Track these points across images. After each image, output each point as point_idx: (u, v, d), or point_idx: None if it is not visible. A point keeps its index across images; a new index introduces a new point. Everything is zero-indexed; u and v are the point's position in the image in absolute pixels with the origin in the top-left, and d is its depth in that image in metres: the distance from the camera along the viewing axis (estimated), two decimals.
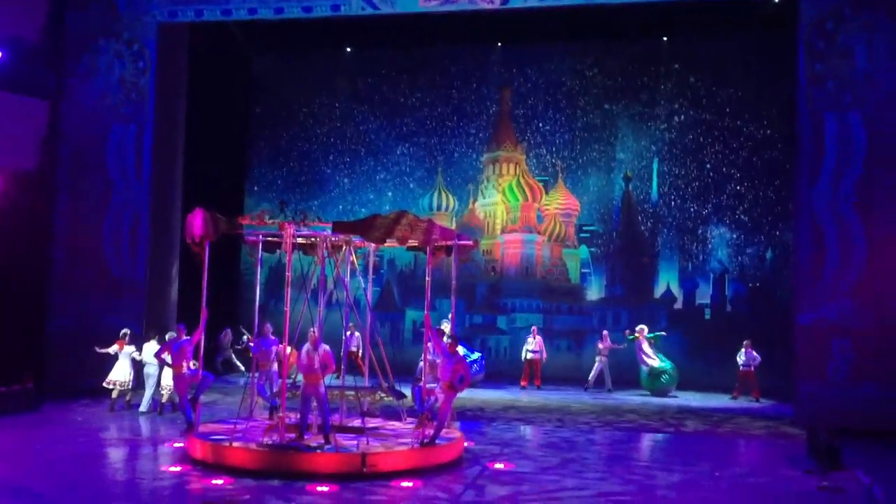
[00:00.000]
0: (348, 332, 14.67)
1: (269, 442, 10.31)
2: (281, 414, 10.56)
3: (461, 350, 12.16)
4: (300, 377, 11.03)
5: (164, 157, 18.56)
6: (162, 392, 14.80)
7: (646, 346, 19.35)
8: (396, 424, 12.12)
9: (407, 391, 12.57)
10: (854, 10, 15.36)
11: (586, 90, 23.00)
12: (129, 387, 14.97)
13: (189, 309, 15.04)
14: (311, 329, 10.97)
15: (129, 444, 12.13)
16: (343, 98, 24.18)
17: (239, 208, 22.75)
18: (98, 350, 15.32)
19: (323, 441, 10.54)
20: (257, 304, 12.49)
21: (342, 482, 9.53)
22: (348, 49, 23.82)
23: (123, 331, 15.38)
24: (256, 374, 12.08)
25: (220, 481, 9.55)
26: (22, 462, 10.62)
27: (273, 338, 12.66)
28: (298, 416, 10.86)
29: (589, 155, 23.09)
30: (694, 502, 9.43)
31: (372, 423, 11.73)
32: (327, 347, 10.86)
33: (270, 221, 10.71)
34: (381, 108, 24.07)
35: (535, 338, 20.02)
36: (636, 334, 19.47)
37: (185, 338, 12.03)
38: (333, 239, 11.86)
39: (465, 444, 11.63)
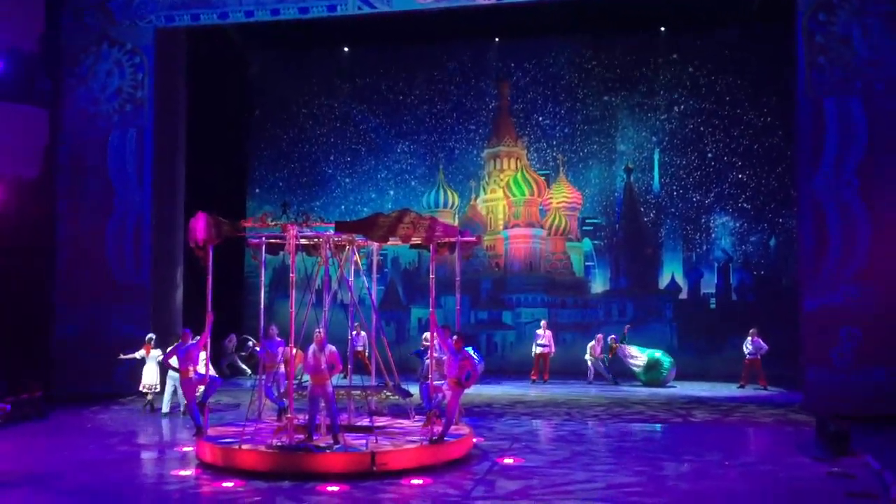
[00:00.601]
0: (354, 332, 14.68)
1: (279, 443, 10.33)
2: (289, 415, 10.57)
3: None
4: (307, 378, 11.04)
5: (164, 161, 18.59)
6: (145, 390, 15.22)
7: (629, 350, 19.43)
8: (405, 422, 12.13)
9: (414, 389, 12.59)
10: None
11: (585, 82, 22.97)
12: (159, 390, 15.25)
13: (194, 313, 15.06)
14: (317, 329, 10.98)
15: (140, 449, 12.16)
16: (342, 98, 24.17)
17: (241, 211, 22.79)
18: (123, 357, 15.62)
19: (332, 441, 10.55)
20: (262, 306, 12.51)
21: (352, 481, 9.55)
22: (346, 49, 23.81)
23: (149, 336, 15.65)
24: (263, 377, 12.10)
25: (230, 484, 9.57)
26: (30, 469, 10.64)
27: (279, 339, 12.67)
28: (307, 417, 10.87)
29: (589, 147, 23.07)
30: (704, 491, 9.43)
31: (380, 421, 11.74)
32: (333, 348, 10.88)
33: (273, 223, 10.71)
34: (381, 107, 24.06)
35: (544, 332, 20.02)
36: (610, 349, 19.56)
37: (191, 342, 12.04)
38: (336, 239, 11.86)
39: (474, 440, 11.63)
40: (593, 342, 19.83)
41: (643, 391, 18.19)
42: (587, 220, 23.23)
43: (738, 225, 22.04)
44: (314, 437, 10.66)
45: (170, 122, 18.82)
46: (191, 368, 11.79)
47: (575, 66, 23.00)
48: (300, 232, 10.89)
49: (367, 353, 17.58)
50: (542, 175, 23.42)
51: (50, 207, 18.35)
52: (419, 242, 11.76)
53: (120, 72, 18.33)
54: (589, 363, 19.69)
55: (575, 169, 23.23)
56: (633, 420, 14.41)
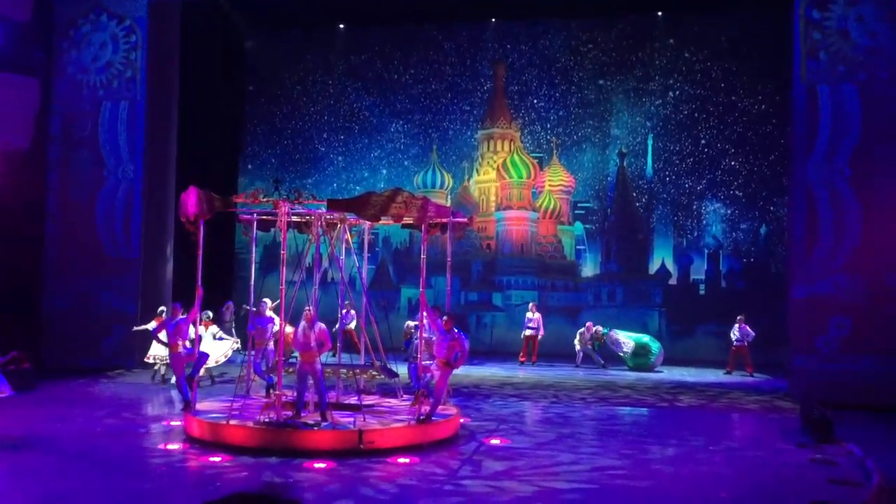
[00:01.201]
0: (344, 311, 14.70)
1: (267, 420, 10.35)
2: (277, 392, 10.59)
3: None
4: (296, 354, 11.05)
5: (157, 135, 18.47)
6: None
7: (617, 336, 19.44)
8: (393, 401, 12.17)
9: (403, 369, 12.62)
10: None
11: (581, 66, 22.91)
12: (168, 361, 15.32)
13: (184, 287, 15.06)
14: (307, 307, 10.98)
15: (127, 422, 12.16)
16: (337, 75, 24.05)
17: (233, 187, 22.71)
18: (136, 329, 16.14)
19: (320, 418, 10.58)
20: (253, 282, 12.50)
21: (339, 459, 9.58)
22: (341, 26, 23.66)
23: (161, 308, 15.87)
24: (252, 352, 12.11)
25: (217, 459, 9.60)
26: (20, 441, 10.64)
27: (269, 316, 12.67)
28: (295, 393, 10.90)
29: (583, 131, 23.05)
30: (688, 475, 9.51)
31: (368, 400, 11.77)
32: (323, 325, 10.88)
33: (265, 199, 10.67)
34: (375, 86, 23.96)
35: (534, 314, 20.06)
36: (597, 340, 19.55)
37: (181, 316, 12.03)
38: (328, 217, 11.83)
39: (462, 420, 11.68)
40: (583, 329, 19.88)
41: (630, 375, 18.29)
42: (579, 204, 23.26)
43: (729, 212, 22.11)
44: (302, 414, 10.69)
45: (162, 96, 18.67)
46: (180, 343, 11.79)
47: (571, 49, 22.93)
48: (292, 209, 10.86)
49: (355, 330, 17.62)
50: (536, 158, 23.40)
51: (40, 178, 18.23)
52: (411, 222, 11.74)
53: (113, 43, 18.16)
54: (577, 347, 19.76)
55: (568, 152, 23.22)
56: (619, 404, 14.50)
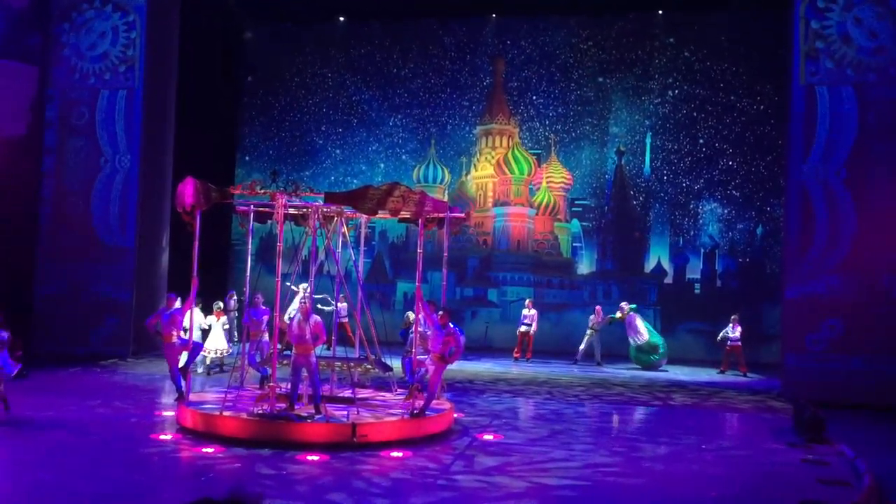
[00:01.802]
0: (339, 304, 14.69)
1: (260, 411, 10.35)
2: (271, 384, 10.59)
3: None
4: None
5: (154, 124, 18.43)
6: (205, 354, 15.49)
7: (638, 322, 19.38)
8: (387, 395, 12.19)
9: (397, 363, 12.63)
10: None
11: (580, 63, 22.89)
12: (228, 352, 15.88)
13: (179, 278, 15.04)
14: (302, 299, 10.97)
15: (121, 412, 12.14)
16: (336, 68, 24.00)
17: (230, 178, 22.68)
18: (203, 328, 16.26)
19: (313, 411, 10.59)
20: (248, 274, 12.49)
21: (332, 452, 9.58)
22: (341, 19, 23.61)
23: (217, 303, 16.18)
24: (247, 344, 12.10)
25: (210, 450, 9.60)
26: (9, 430, 10.63)
27: (264, 308, 12.66)
28: (289, 385, 10.90)
29: (582, 128, 23.04)
30: (679, 473, 9.53)
31: (362, 393, 11.77)
32: (318, 318, 10.88)
33: (262, 191, 10.66)
34: (374, 79, 23.92)
35: (529, 310, 20.07)
36: (618, 314, 19.53)
37: (175, 307, 12.01)
38: (325, 210, 11.83)
39: (455, 415, 11.69)
40: (593, 315, 19.86)
41: (625, 373, 18.32)
42: (576, 202, 23.26)
43: (725, 212, 22.13)
44: (296, 407, 10.69)
45: (160, 85, 18.63)
46: (174, 333, 11.78)
47: (571, 46, 22.92)
48: (289, 201, 10.85)
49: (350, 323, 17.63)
50: (534, 154, 23.39)
51: (36, 165, 18.18)
52: (408, 216, 11.74)
53: (112, 31, 18.10)
54: (587, 335, 19.71)
55: (566, 149, 23.21)
56: (613, 401, 14.52)
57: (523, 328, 19.95)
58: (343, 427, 10.05)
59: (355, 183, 22.47)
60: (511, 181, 23.29)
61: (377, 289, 22.87)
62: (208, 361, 15.75)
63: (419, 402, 10.81)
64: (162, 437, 10.32)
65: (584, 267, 23.00)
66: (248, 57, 24.31)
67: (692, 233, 22.38)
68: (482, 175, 23.84)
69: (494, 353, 20.75)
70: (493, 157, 23.57)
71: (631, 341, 19.36)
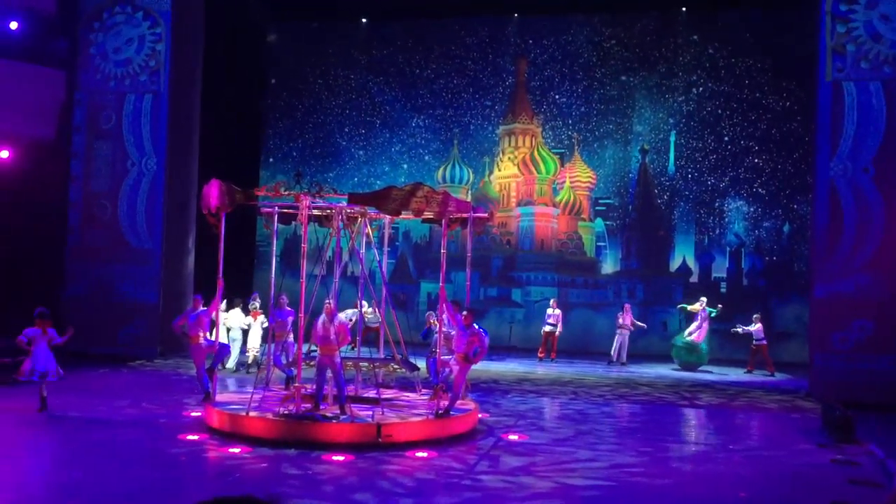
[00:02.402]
0: (366, 309, 14.72)
1: (286, 412, 10.40)
2: (297, 384, 10.64)
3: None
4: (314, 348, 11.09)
5: (179, 127, 18.59)
6: (247, 353, 16.00)
7: (705, 323, 19.04)
8: (411, 395, 12.20)
9: (422, 363, 12.64)
10: None
11: (603, 62, 22.79)
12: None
13: (205, 280, 15.14)
14: (327, 300, 11.02)
15: (149, 412, 12.26)
16: (358, 70, 24.08)
17: (255, 180, 22.82)
18: (243, 328, 16.62)
19: (338, 411, 10.62)
20: (273, 275, 12.56)
21: (357, 452, 9.61)
22: (364, 20, 23.68)
23: (254, 304, 16.38)
24: (272, 345, 12.17)
25: (236, 450, 9.66)
26: (34, 427, 10.76)
27: (289, 309, 12.73)
28: (314, 386, 10.94)
29: (605, 127, 22.94)
30: (707, 474, 9.46)
31: (387, 394, 11.80)
32: (343, 319, 10.92)
33: (286, 193, 10.71)
34: (397, 80, 23.97)
35: (554, 310, 20.01)
36: (697, 305, 19.19)
37: (201, 308, 12.11)
38: (349, 211, 11.86)
39: (480, 415, 11.69)
40: (621, 312, 19.75)
41: (650, 372, 18.20)
42: (600, 201, 23.16)
43: (751, 210, 21.93)
44: (321, 407, 10.74)
45: (186, 89, 18.79)
46: (201, 334, 11.87)
47: (593, 45, 22.82)
48: (313, 202, 10.90)
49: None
50: (557, 154, 23.32)
51: (64, 168, 18.40)
52: (431, 217, 11.74)
53: (138, 36, 18.27)
54: (617, 335, 19.57)
55: (590, 148, 23.12)
56: (638, 401, 14.44)
57: (548, 328, 19.90)
58: (368, 427, 10.07)
59: (379, 184, 22.51)
60: (535, 181, 23.23)
61: (401, 289, 22.90)
62: (250, 360, 16.10)
63: (444, 403, 10.82)
64: (189, 437, 10.40)
65: (609, 266, 22.89)
66: (271, 59, 24.46)
67: (717, 231, 22.19)
68: (505, 175, 23.81)
69: (518, 352, 20.70)
70: (515, 157, 23.53)
71: (687, 337, 19.08)
